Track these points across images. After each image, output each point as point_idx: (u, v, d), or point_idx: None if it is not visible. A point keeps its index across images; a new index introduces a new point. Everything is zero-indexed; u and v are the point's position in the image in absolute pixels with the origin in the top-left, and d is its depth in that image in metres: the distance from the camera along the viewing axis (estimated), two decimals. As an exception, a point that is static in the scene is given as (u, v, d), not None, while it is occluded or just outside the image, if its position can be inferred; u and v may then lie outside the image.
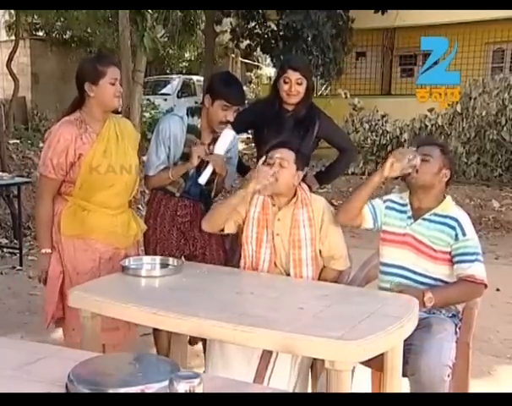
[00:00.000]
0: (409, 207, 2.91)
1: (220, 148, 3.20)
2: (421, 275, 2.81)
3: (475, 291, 2.76)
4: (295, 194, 3.06)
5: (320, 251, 3.02)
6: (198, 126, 3.30)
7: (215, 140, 3.25)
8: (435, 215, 2.83)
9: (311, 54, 11.96)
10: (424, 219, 2.84)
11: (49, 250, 2.97)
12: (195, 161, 3.16)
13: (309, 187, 3.25)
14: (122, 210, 3.07)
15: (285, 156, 3.01)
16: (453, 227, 2.76)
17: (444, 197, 2.89)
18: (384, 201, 3.00)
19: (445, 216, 2.80)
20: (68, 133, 2.90)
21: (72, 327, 2.95)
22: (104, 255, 3.00)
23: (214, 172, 3.20)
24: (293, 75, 3.45)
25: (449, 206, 2.85)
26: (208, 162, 3.18)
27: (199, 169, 3.20)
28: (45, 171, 2.93)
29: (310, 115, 3.56)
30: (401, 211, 2.93)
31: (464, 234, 2.74)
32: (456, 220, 2.77)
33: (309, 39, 11.61)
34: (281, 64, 3.69)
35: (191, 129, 3.29)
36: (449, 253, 2.77)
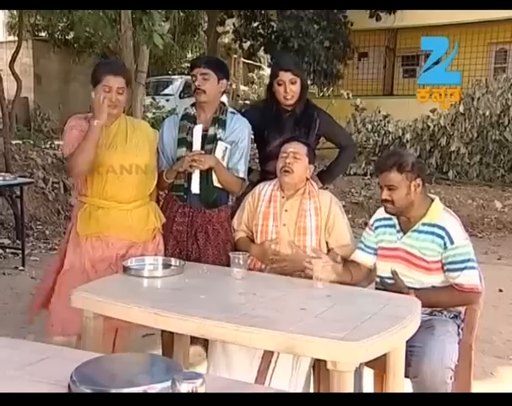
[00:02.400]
0: (396, 221, 2.90)
1: (196, 146, 3.23)
2: (414, 287, 2.79)
3: (464, 298, 2.76)
4: (303, 186, 3.16)
5: (328, 243, 3.12)
6: (192, 113, 3.35)
7: (215, 120, 3.28)
8: (423, 225, 2.80)
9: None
10: (414, 231, 2.82)
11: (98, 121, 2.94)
12: (182, 168, 3.19)
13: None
14: (138, 203, 3.09)
15: (298, 149, 3.13)
16: (441, 237, 2.74)
17: (432, 200, 2.85)
18: (372, 225, 3.01)
19: (433, 226, 2.77)
20: (79, 125, 3.02)
21: (51, 323, 3.02)
22: (120, 251, 3.04)
23: (204, 171, 3.20)
24: (286, 76, 3.44)
25: (436, 213, 2.81)
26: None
27: (191, 180, 3.24)
28: (66, 151, 3.05)
29: (309, 113, 3.56)
30: (390, 226, 2.93)
31: (452, 242, 2.71)
32: (443, 228, 2.74)
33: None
34: (272, 67, 3.68)
35: (185, 117, 3.35)
36: (441, 261, 2.76)
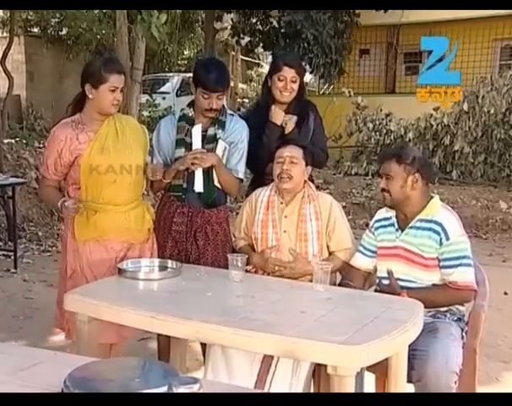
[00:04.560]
0: (394, 219, 2.92)
1: (197, 145, 3.19)
2: (415, 284, 2.79)
3: (458, 297, 2.78)
4: (301, 190, 3.13)
5: (328, 246, 3.10)
6: (190, 114, 3.30)
7: (214, 120, 3.24)
8: (421, 221, 2.82)
9: (312, 53, 11.87)
10: (411, 227, 2.83)
11: (62, 199, 2.95)
12: (184, 166, 3.17)
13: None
14: (134, 204, 3.07)
15: (294, 153, 3.10)
16: (437, 232, 2.74)
17: (431, 198, 2.87)
18: (372, 227, 3.03)
19: (430, 221, 2.78)
20: (62, 134, 2.97)
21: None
22: (119, 254, 3.02)
23: (205, 169, 3.17)
24: (289, 73, 3.42)
25: (434, 209, 2.82)
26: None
27: (193, 179, 3.20)
28: (41, 169, 3.14)
29: (304, 114, 3.52)
30: (389, 225, 2.95)
31: (447, 238, 2.72)
32: (440, 224, 2.75)
33: (311, 38, 11.47)
34: (275, 61, 3.64)
35: (183, 118, 3.30)
36: (437, 258, 2.78)
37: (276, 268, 3.05)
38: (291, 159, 3.07)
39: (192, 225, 3.22)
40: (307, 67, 11.97)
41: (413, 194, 2.82)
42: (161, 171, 3.11)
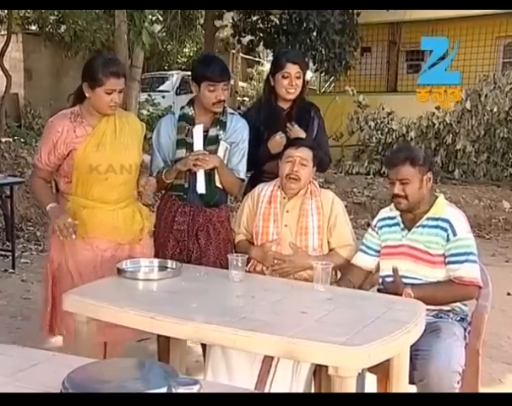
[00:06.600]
0: (399, 219, 2.91)
1: (198, 146, 3.18)
2: (420, 281, 2.79)
3: (463, 292, 2.77)
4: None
5: (329, 242, 3.09)
6: (191, 113, 3.26)
7: (215, 121, 3.22)
8: (428, 219, 2.82)
9: (314, 49, 11.81)
10: (418, 226, 2.83)
11: (54, 204, 2.94)
12: (186, 168, 3.15)
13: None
14: (124, 203, 3.03)
15: (305, 155, 3.09)
16: (445, 229, 2.75)
17: (436, 197, 2.90)
18: (375, 226, 3.00)
19: (437, 219, 2.79)
20: (59, 125, 2.93)
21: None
22: (105, 253, 2.98)
23: (207, 171, 3.15)
24: (293, 69, 3.39)
25: (441, 208, 2.83)
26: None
27: (194, 179, 3.18)
28: (35, 158, 3.09)
29: (307, 112, 3.50)
30: (394, 225, 2.93)
31: (454, 234, 2.73)
32: (447, 221, 2.76)
33: (314, 33, 11.39)
34: (277, 59, 3.60)
35: (183, 118, 3.27)
36: (444, 254, 2.78)
37: (276, 262, 3.04)
38: (301, 161, 3.06)
39: (194, 224, 3.21)
40: (311, 64, 11.93)
41: (425, 194, 2.84)
42: (154, 187, 3.12)
